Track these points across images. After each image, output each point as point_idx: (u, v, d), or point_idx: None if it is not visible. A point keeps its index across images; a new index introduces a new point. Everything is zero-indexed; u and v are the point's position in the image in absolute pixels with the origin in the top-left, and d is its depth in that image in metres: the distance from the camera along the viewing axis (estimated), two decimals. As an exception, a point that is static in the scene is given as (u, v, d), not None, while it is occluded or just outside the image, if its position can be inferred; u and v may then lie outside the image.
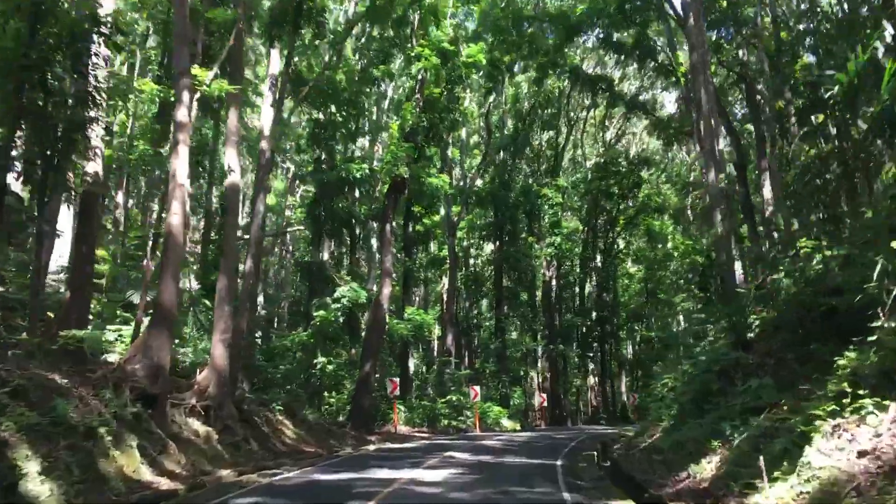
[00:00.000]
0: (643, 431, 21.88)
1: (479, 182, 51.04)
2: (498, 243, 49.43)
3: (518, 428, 42.59)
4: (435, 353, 50.28)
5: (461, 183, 50.21)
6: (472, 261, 58.75)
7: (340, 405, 31.26)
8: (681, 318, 72.27)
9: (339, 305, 30.64)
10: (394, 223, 33.61)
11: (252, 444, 18.96)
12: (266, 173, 24.16)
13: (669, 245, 57.09)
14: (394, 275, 34.11)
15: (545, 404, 46.17)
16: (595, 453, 20.78)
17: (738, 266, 26.17)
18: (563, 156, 56.03)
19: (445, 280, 51.43)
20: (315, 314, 29.95)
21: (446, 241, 49.50)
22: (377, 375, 34.75)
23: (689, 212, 52.67)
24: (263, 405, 22.38)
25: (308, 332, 30.09)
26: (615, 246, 56.02)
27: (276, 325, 43.32)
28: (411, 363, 52.27)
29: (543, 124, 52.73)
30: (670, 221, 56.95)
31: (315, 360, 29.84)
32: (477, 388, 38.68)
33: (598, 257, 56.04)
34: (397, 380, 32.72)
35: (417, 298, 66.57)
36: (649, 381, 66.04)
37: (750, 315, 17.02)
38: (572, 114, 54.61)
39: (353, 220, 36.41)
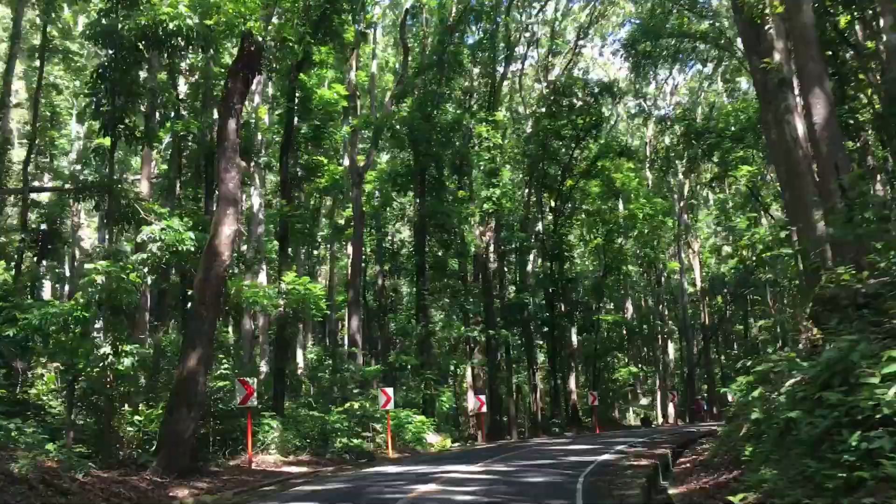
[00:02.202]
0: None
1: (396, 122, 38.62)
2: (419, 197, 37.04)
3: (448, 445, 30.40)
4: (346, 345, 37.67)
5: (370, 115, 37.75)
6: (393, 236, 46.39)
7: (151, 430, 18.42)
8: (642, 297, 61.45)
9: (144, 255, 17.73)
10: (240, 124, 20.83)
11: None
12: None
13: (633, 206, 45.82)
14: (242, 205, 21.19)
15: (483, 409, 34.17)
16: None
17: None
18: (502, 88, 44.11)
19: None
20: (88, 268, 16.88)
21: (350, 192, 36.98)
22: (225, 375, 22.01)
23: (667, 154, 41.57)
24: None
25: (75, 299, 17.04)
26: (568, 204, 44.24)
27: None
28: (300, 357, 39.44)
29: (477, 45, 40.65)
30: (636, 172, 45.78)
31: (102, 350, 16.81)
32: (389, 390, 26.36)
33: (545, 218, 44.29)
34: (254, 381, 19.98)
35: (323, 280, 53.95)
36: (611, 376, 55.20)
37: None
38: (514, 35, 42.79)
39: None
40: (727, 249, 66.91)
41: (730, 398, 48.54)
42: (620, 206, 48.00)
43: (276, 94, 34.32)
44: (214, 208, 19.80)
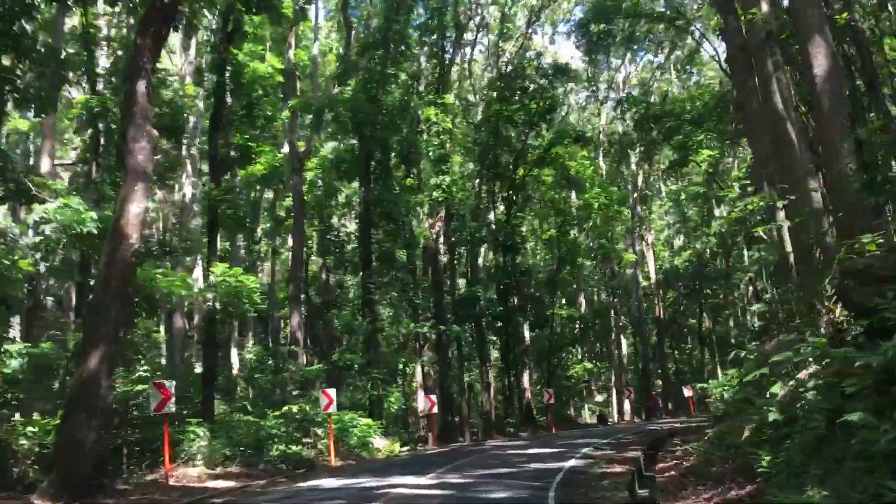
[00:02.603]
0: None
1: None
2: (364, 185, 34.59)
3: (397, 449, 28.13)
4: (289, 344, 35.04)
5: (310, 96, 35.28)
6: (339, 230, 43.82)
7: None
8: (595, 291, 59.91)
9: (36, 239, 15.09)
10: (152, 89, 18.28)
11: None
12: None
13: (587, 195, 44.06)
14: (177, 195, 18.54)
15: (434, 410, 31.97)
16: None
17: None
18: (451, 72, 41.94)
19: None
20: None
21: (290, 179, 34.46)
22: (146, 378, 19.35)
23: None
24: None
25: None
26: (521, 194, 42.23)
27: None
28: (235, 357, 36.75)
29: (424, 26, 38.41)
30: (591, 161, 44.08)
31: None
32: (332, 391, 23.95)
33: (497, 209, 42.26)
34: (172, 384, 17.39)
35: (264, 276, 51.19)
36: (565, 373, 53.36)
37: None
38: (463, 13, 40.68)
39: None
40: (683, 240, 66.04)
41: (707, 394, 47.30)
42: (574, 197, 46.31)
43: (206, 71, 31.67)
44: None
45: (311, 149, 35.58)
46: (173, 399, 17.08)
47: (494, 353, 43.25)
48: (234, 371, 33.49)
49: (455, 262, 41.18)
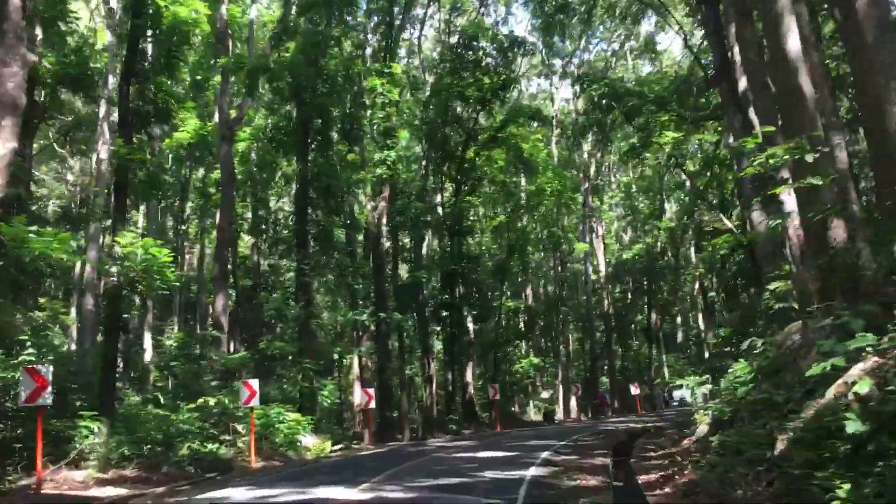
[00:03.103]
0: None
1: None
2: (302, 158, 31.50)
3: (328, 448, 25.25)
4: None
5: (244, 56, 32.02)
6: (276, 213, 40.55)
7: None
8: (543, 284, 57.72)
9: None
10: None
11: None
12: None
13: (541, 180, 41.65)
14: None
15: (371, 405, 29.16)
16: None
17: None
18: (399, 40, 39.08)
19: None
20: None
21: (219, 147, 31.25)
22: (32, 363, 16.10)
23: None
24: None
25: None
26: (471, 175, 39.56)
27: None
28: (148, 341, 33.31)
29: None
30: (544, 144, 41.73)
31: None
32: (254, 383, 20.97)
33: (446, 190, 39.56)
34: (46, 369, 14.19)
35: (194, 259, 47.70)
36: (510, 367, 50.93)
37: None
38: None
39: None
40: (632, 234, 64.44)
41: (682, 395, 45.30)
42: (525, 183, 43.91)
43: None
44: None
45: (243, 115, 32.32)
46: (49, 388, 13.93)
47: (438, 345, 40.53)
48: (148, 358, 30.08)
49: (398, 245, 38.32)
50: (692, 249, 56.35)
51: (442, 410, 39.56)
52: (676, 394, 51.13)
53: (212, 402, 21.54)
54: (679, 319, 65.94)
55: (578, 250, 49.81)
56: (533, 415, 49.21)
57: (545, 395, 52.32)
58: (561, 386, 50.36)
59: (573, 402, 49.11)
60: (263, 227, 35.53)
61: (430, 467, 16.14)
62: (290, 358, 28.95)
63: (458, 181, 38.36)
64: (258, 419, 21.54)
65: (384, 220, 34.86)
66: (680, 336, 66.91)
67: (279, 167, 36.66)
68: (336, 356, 32.74)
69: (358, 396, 32.52)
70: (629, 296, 57.50)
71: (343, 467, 18.15)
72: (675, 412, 39.76)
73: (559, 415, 48.08)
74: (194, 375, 25.46)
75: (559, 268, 52.04)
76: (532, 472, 14.06)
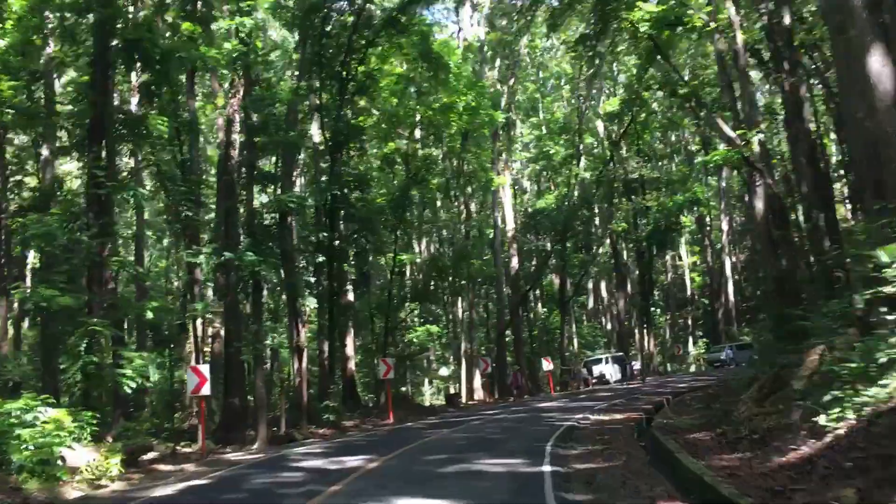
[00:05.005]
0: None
1: None
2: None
3: (114, 470, 14.40)
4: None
5: None
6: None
7: None
8: (445, 232, 47.71)
9: None
10: None
11: None
12: None
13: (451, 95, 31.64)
14: None
15: (204, 391, 18.65)
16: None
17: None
18: None
19: None
20: None
21: None
22: None
23: None
24: None
25: None
26: (362, 68, 28.93)
27: None
28: None
29: None
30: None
31: None
32: None
33: (329, 90, 28.79)
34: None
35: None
36: (401, 338, 40.56)
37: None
38: None
39: None
40: (544, 184, 55.97)
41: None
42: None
43: None
44: None
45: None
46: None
47: (311, 302, 29.60)
48: None
49: (256, 156, 26.90)
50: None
51: (313, 394, 29.05)
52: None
53: None
54: (591, 285, 57.91)
55: (497, 184, 39.66)
56: (429, 397, 39.47)
57: (444, 371, 42.59)
58: (464, 360, 40.55)
59: (477, 380, 39.57)
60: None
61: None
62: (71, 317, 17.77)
63: (342, 79, 27.70)
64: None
65: (236, 123, 24.03)
66: (591, 303, 59.10)
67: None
68: (150, 314, 21.43)
69: (190, 381, 21.67)
70: (543, 253, 48.75)
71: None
72: (612, 392, 31.46)
73: (462, 396, 38.61)
74: None
75: (465, 214, 42.00)
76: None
